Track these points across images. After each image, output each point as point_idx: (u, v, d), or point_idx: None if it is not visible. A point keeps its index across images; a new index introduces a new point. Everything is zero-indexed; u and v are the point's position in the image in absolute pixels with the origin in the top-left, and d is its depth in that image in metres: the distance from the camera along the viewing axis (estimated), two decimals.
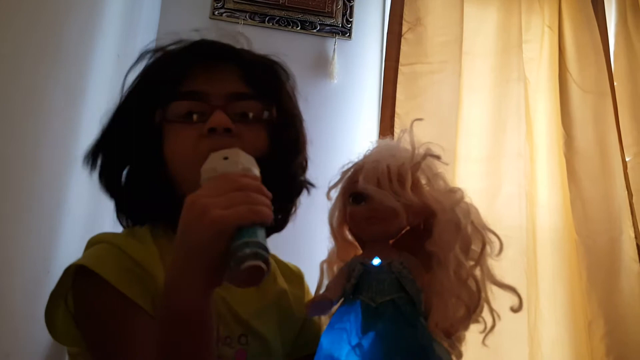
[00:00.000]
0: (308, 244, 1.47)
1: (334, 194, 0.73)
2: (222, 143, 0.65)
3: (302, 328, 0.82)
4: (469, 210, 0.67)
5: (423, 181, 0.68)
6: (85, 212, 1.00)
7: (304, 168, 0.82)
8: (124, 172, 0.74)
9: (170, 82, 0.71)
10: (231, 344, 0.70)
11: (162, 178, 0.71)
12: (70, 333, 0.67)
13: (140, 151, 0.72)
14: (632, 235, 1.68)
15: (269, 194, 0.56)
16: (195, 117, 0.70)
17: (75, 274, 0.65)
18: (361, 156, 0.71)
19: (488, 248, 0.66)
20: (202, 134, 0.68)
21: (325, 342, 0.62)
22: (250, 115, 0.72)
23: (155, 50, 0.76)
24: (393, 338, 0.59)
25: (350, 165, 0.71)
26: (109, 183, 0.74)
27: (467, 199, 0.67)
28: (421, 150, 0.68)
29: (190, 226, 0.54)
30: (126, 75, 0.76)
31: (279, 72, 0.79)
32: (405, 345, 0.59)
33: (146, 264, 0.67)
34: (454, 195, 0.67)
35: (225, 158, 0.61)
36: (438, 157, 0.69)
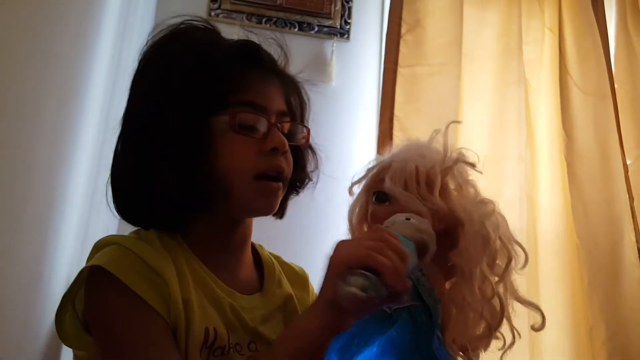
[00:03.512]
0: (308, 240, 1.47)
1: (356, 189, 0.71)
2: (279, 162, 0.69)
3: None
4: (499, 223, 0.63)
5: (452, 186, 0.64)
6: (78, 215, 0.99)
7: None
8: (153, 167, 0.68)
9: (229, 89, 0.69)
10: (241, 351, 0.70)
11: (204, 180, 0.67)
12: (78, 336, 0.66)
13: (183, 152, 0.66)
14: (634, 239, 1.68)
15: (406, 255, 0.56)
16: (257, 132, 0.69)
17: (89, 274, 0.64)
18: (389, 154, 0.67)
19: (513, 262, 0.63)
20: (262, 151, 0.68)
21: (337, 347, 0.60)
22: (293, 137, 0.73)
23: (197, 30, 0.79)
24: (406, 347, 0.57)
25: (376, 162, 0.68)
26: (130, 175, 0.70)
27: (497, 211, 0.64)
28: (454, 155, 0.64)
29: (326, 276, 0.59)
30: (160, 45, 0.75)
31: (306, 96, 0.80)
32: (419, 356, 0.57)
33: (159, 268, 0.65)
34: (485, 207, 0.64)
35: (408, 219, 0.62)
36: (472, 165, 0.65)
